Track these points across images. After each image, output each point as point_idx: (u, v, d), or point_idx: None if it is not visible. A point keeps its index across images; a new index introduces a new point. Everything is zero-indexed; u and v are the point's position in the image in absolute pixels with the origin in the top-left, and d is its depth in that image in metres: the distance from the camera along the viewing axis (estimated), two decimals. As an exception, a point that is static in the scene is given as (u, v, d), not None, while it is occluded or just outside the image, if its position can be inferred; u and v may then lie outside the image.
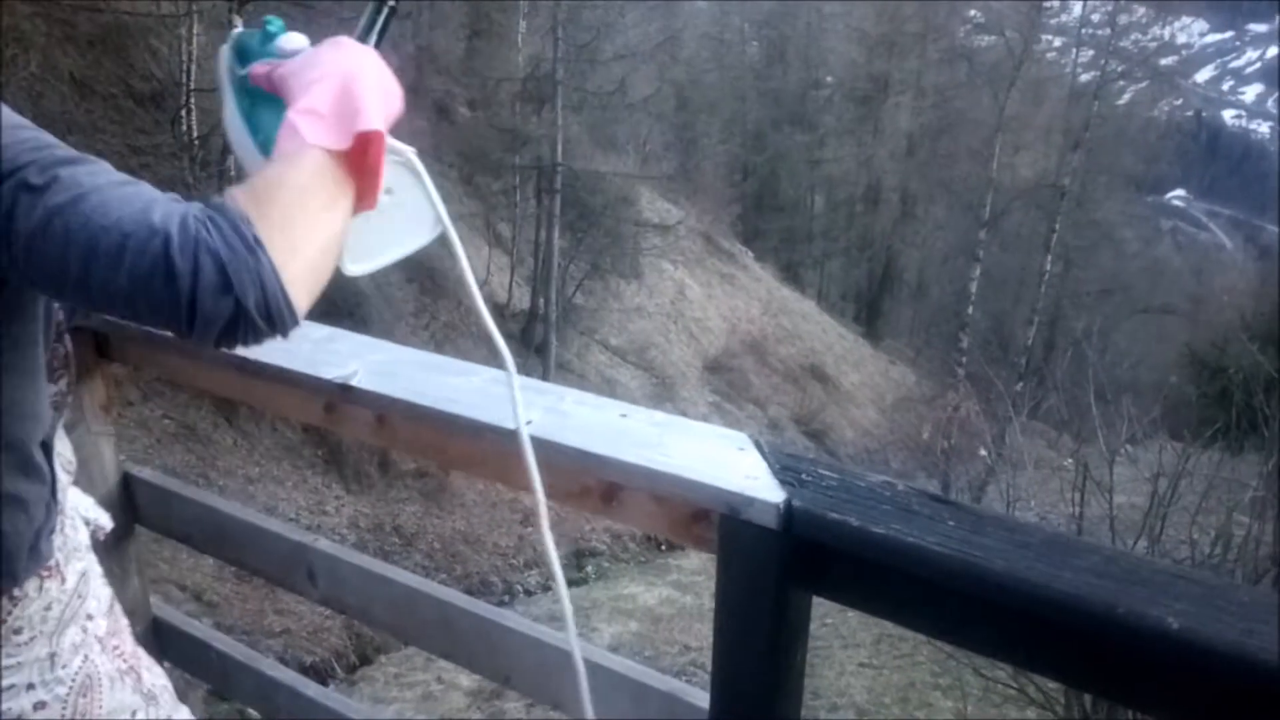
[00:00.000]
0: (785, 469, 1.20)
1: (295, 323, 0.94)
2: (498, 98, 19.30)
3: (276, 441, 11.87)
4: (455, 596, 1.57)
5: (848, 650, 7.90)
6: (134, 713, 1.33)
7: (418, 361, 1.50)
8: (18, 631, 1.17)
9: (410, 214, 1.15)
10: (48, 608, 1.20)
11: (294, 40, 1.15)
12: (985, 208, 25.71)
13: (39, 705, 1.20)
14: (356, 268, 1.13)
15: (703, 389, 22.26)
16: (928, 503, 1.15)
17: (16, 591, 1.16)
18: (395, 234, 1.14)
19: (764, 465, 1.20)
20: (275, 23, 1.17)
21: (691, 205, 27.57)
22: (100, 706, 1.27)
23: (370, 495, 12.27)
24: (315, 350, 1.51)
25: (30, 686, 1.20)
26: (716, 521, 1.17)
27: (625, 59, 20.56)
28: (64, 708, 1.23)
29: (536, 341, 18.73)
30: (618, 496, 1.26)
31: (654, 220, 22.91)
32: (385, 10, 1.18)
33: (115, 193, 0.90)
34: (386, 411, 1.42)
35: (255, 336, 0.91)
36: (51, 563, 1.21)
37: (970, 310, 25.55)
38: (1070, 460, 7.94)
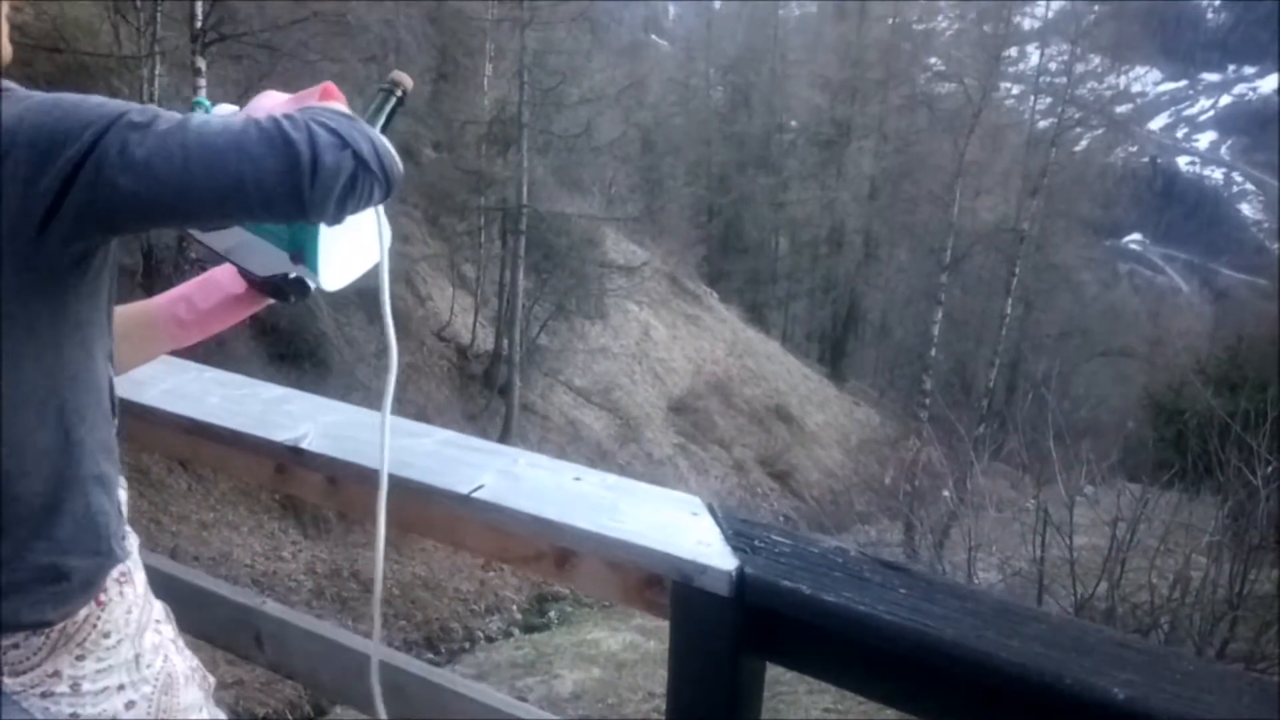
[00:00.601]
0: (738, 534, 1.20)
1: (401, 177, 1.09)
2: (463, 140, 19.35)
3: (232, 486, 11.70)
4: (408, 662, 1.55)
5: (812, 695, 7.84)
6: (201, 709, 1.39)
7: (371, 423, 1.49)
8: (106, 635, 1.22)
9: (368, 230, 1.25)
10: (129, 611, 1.25)
11: (226, 109, 1.22)
12: (946, 251, 26.04)
13: (130, 705, 1.26)
14: (335, 283, 1.26)
15: (667, 430, 22.23)
16: (879, 569, 1.15)
17: (103, 596, 1.21)
18: (361, 249, 1.27)
19: (717, 531, 1.20)
20: (203, 103, 1.23)
21: (657, 247, 27.71)
22: (180, 704, 1.33)
23: (328, 540, 12.11)
24: (266, 411, 1.49)
25: (121, 687, 1.25)
26: (669, 588, 1.17)
27: (591, 103, 20.71)
28: (150, 706, 1.28)
29: (500, 383, 18.66)
30: (570, 562, 1.26)
31: (619, 261, 22.98)
32: (394, 100, 1.27)
33: (215, 117, 1.04)
34: (338, 475, 1.40)
35: (373, 187, 1.05)
36: (125, 566, 1.25)
37: (933, 352, 25.79)
38: (1032, 502, 7.99)
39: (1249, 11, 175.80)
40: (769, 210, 34.45)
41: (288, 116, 1.01)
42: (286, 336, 13.93)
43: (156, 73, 12.01)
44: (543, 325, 19.85)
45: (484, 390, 18.93)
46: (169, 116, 1.00)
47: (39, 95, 1.03)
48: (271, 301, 1.39)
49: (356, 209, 1.06)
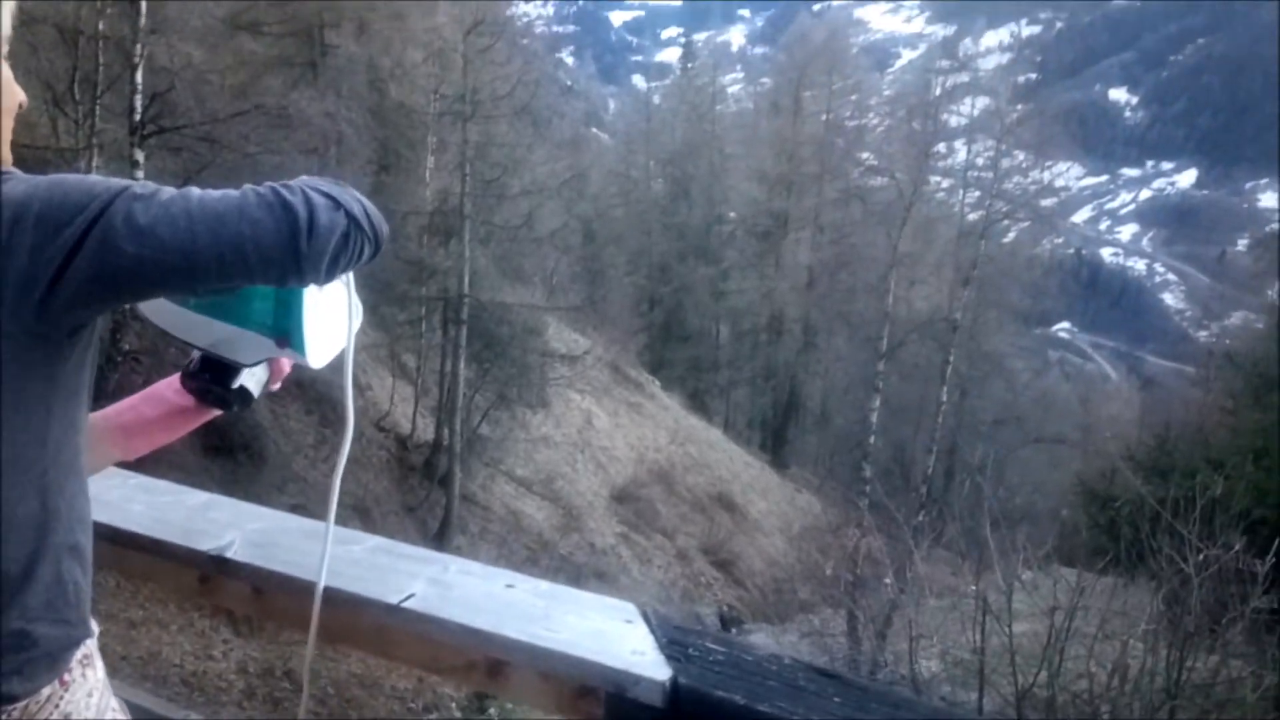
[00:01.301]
0: (673, 643, 1.19)
1: (387, 236, 1.17)
2: (405, 230, 19.41)
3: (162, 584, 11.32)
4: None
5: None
6: None
7: (299, 529, 1.46)
8: (67, 718, 1.20)
9: (341, 309, 1.33)
10: (89, 694, 1.24)
11: None
12: (883, 339, 26.51)
13: None
14: (321, 360, 1.29)
15: (610, 519, 22.06)
16: (814, 678, 1.15)
17: (67, 675, 1.20)
18: (338, 325, 1.32)
19: (651, 640, 1.18)
20: None
21: (599, 335, 27.85)
22: None
23: (260, 638, 11.71)
24: (191, 518, 1.46)
25: None
26: (603, 699, 1.15)
27: (533, 194, 20.95)
28: None
29: (441, 473, 18.43)
30: (503, 672, 1.23)
31: (561, 350, 23.01)
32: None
33: (212, 189, 1.09)
34: (264, 584, 1.37)
35: (364, 244, 1.12)
36: (89, 648, 1.25)
37: (872, 439, 26.05)
38: (972, 589, 8.01)
39: (1165, 110, 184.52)
40: (709, 299, 34.89)
41: (284, 185, 1.08)
42: (221, 428, 13.65)
43: (95, 165, 11.94)
44: (484, 415, 19.72)
45: (424, 481, 18.67)
46: (170, 189, 1.07)
47: (44, 176, 1.08)
48: (218, 413, 1.38)
49: (349, 266, 1.12)
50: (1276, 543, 6.74)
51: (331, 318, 1.32)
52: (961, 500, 10.55)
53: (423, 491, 18.32)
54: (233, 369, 1.29)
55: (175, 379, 1.36)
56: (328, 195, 1.08)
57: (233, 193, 1.06)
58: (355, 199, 1.11)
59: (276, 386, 1.36)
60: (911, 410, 29.37)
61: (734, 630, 18.22)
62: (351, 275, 1.31)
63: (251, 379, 1.30)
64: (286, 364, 1.34)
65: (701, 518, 23.81)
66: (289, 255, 1.05)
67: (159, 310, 1.27)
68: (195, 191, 1.06)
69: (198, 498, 1.52)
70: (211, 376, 1.30)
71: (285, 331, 1.27)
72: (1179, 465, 12.03)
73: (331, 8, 18.05)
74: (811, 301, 33.10)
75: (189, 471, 11.30)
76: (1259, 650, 6.98)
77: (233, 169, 11.44)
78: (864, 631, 11.18)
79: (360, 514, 16.19)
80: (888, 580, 10.93)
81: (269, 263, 1.05)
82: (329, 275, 1.10)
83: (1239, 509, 7.46)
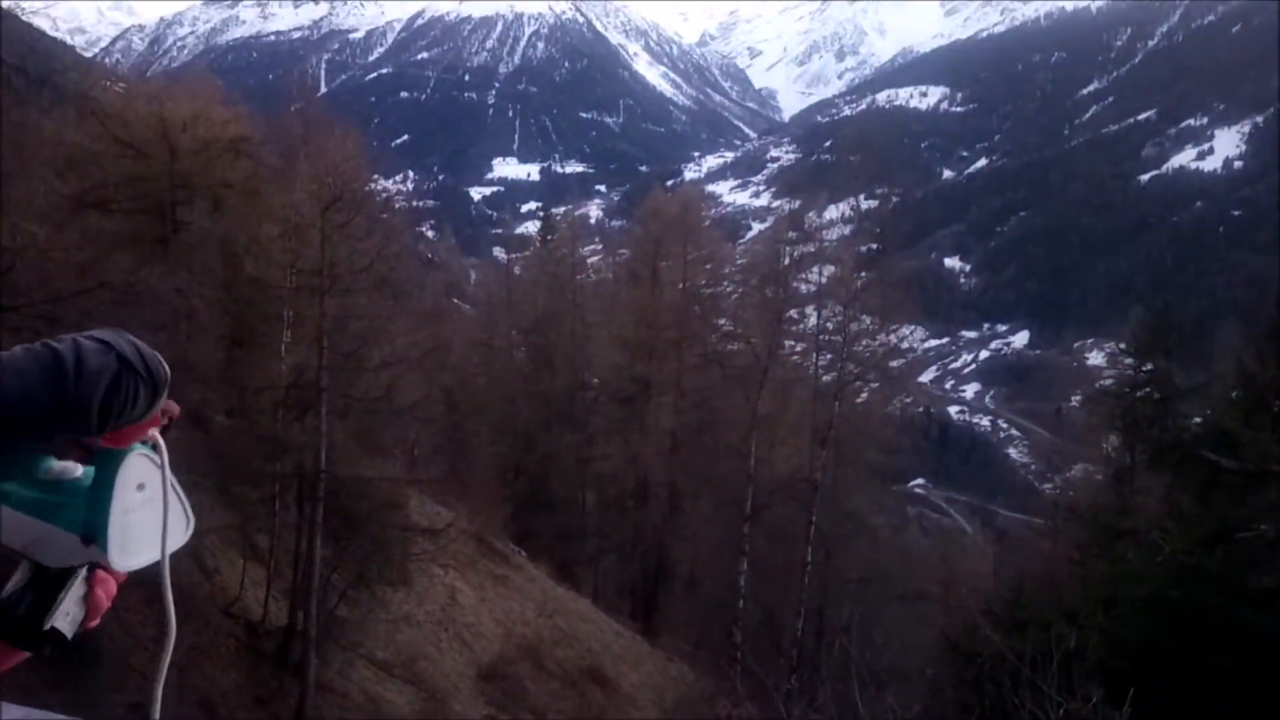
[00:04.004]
0: None
1: (166, 379, 1.15)
2: (258, 405, 18.89)
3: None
4: None
5: None
6: None
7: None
8: None
9: (163, 512, 1.26)
10: None
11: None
12: (747, 501, 26.80)
13: None
14: (124, 561, 1.22)
15: (477, 700, 21.15)
16: None
17: None
18: (154, 532, 1.25)
19: None
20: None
21: (462, 507, 27.32)
22: None
23: None
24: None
25: None
26: None
27: (392, 366, 20.75)
28: None
29: (294, 660, 17.43)
30: None
31: (423, 524, 22.42)
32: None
33: None
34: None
35: (138, 386, 1.11)
36: None
37: (741, 604, 25.96)
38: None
39: (996, 276, 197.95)
40: (575, 466, 34.80)
41: (55, 338, 1.08)
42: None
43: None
44: (341, 595, 18.86)
45: (276, 670, 17.62)
46: None
47: None
48: (24, 655, 1.24)
49: (125, 410, 1.11)
50: (1131, 692, 6.91)
51: (150, 520, 1.25)
52: (831, 662, 10.54)
53: (275, 682, 17.26)
54: (44, 607, 1.18)
55: None
56: (99, 340, 1.09)
57: (4, 354, 1.06)
58: (129, 342, 1.11)
59: (94, 624, 1.25)
60: (779, 572, 29.52)
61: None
62: (170, 476, 1.27)
63: (65, 619, 1.19)
64: (104, 598, 1.23)
65: (572, 694, 23.07)
66: (57, 401, 1.04)
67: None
68: None
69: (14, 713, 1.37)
70: (21, 616, 1.19)
71: (92, 529, 1.20)
72: (1034, 618, 12.34)
73: (184, 185, 17.94)
74: (676, 466, 33.35)
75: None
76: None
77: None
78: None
79: (206, 710, 15.08)
80: (763, 751, 10.72)
81: (38, 411, 1.04)
82: (103, 421, 1.10)
83: (1094, 660, 7.66)
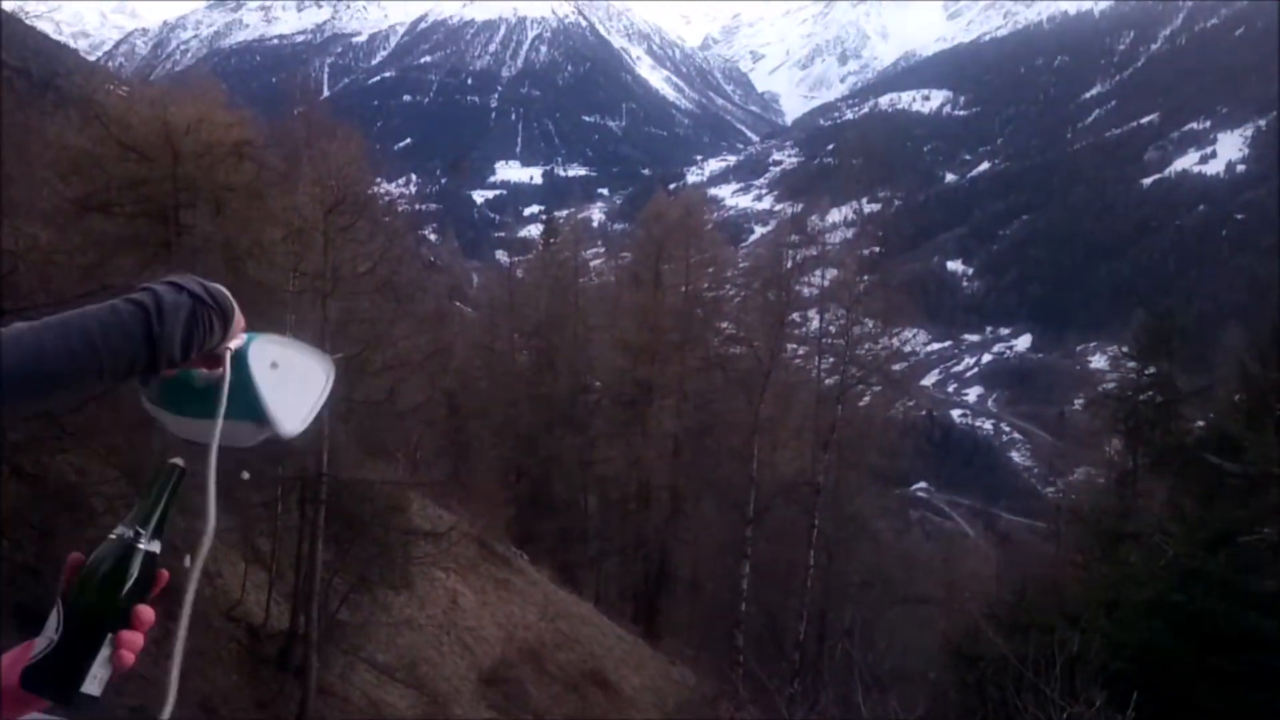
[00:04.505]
0: None
1: (232, 306, 1.32)
2: (261, 409, 18.87)
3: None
4: None
5: None
6: None
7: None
8: None
9: (305, 370, 1.48)
10: None
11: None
12: (749, 505, 26.78)
13: None
14: (292, 425, 1.43)
15: (478, 704, 21.14)
16: None
17: None
18: (305, 390, 1.46)
19: None
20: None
21: (464, 510, 27.28)
22: None
23: None
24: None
25: None
26: None
27: (395, 369, 20.77)
28: None
29: (296, 663, 17.42)
30: None
31: (425, 527, 22.40)
32: (173, 482, 1.29)
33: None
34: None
35: (211, 317, 1.27)
36: None
37: (743, 607, 25.93)
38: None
39: (998, 279, 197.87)
40: (577, 469, 34.79)
41: (135, 288, 1.23)
42: (43, 616, 12.65)
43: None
44: (343, 598, 18.86)
45: (278, 673, 17.61)
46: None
47: None
48: (48, 705, 1.25)
49: (204, 341, 1.27)
50: (1134, 696, 6.90)
51: (297, 383, 1.45)
52: (834, 665, 10.54)
53: (276, 685, 17.25)
54: (80, 670, 1.19)
55: (19, 655, 1.24)
56: (170, 283, 1.25)
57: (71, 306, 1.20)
58: (197, 281, 1.27)
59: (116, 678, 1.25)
60: (781, 575, 29.50)
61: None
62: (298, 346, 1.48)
63: (94, 682, 1.20)
64: (130, 656, 1.23)
65: (574, 697, 23.04)
66: (142, 341, 1.19)
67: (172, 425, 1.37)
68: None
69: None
70: (55, 677, 1.20)
71: (255, 413, 1.39)
72: (1037, 621, 12.32)
73: (187, 188, 17.95)
74: (678, 469, 33.35)
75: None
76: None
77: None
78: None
79: (207, 712, 15.08)
80: (765, 755, 10.71)
81: (122, 351, 1.18)
82: (185, 353, 1.25)
83: (1097, 663, 7.64)
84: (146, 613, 1.23)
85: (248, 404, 1.38)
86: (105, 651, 1.20)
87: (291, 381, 1.44)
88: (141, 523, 1.23)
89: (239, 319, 1.37)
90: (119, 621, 1.21)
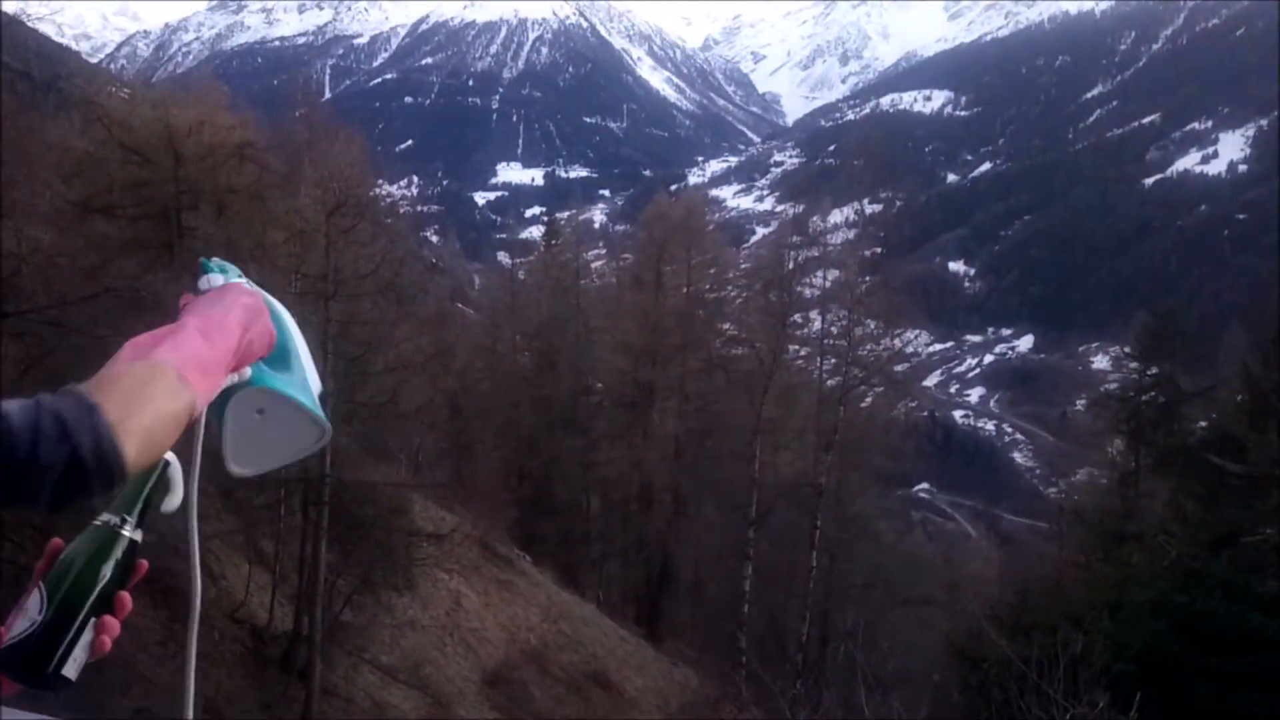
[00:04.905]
0: None
1: (124, 474, 1.03)
2: (264, 411, 18.88)
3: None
4: None
5: None
6: None
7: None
8: None
9: (289, 429, 1.38)
10: None
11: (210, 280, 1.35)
12: (751, 506, 26.78)
13: None
14: (241, 469, 1.38)
15: (482, 705, 21.14)
16: None
17: None
18: (276, 446, 1.39)
19: None
20: (210, 266, 1.38)
21: (467, 511, 27.29)
22: None
23: None
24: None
25: None
26: None
27: (397, 371, 20.78)
28: None
29: (299, 665, 17.42)
30: None
31: (428, 529, 22.39)
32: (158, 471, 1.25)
33: None
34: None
35: (87, 483, 1.00)
36: None
37: (746, 608, 25.93)
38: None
39: (1000, 280, 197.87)
40: (579, 471, 34.76)
41: (23, 404, 0.97)
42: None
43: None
44: (347, 600, 18.87)
45: (282, 675, 17.61)
46: None
47: None
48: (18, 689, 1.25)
49: (72, 499, 1.01)
50: (1137, 696, 6.90)
51: (273, 434, 1.38)
52: (836, 667, 10.54)
53: (280, 687, 17.26)
54: (54, 652, 1.19)
55: None
56: (61, 423, 0.97)
57: None
58: (91, 428, 0.99)
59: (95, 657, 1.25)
60: (783, 577, 29.51)
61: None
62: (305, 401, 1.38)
63: (73, 665, 1.20)
64: (108, 642, 1.23)
65: (577, 698, 23.04)
66: (13, 483, 0.97)
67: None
68: None
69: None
70: (37, 658, 1.19)
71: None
72: (1040, 622, 12.33)
73: (189, 190, 17.98)
74: (680, 470, 33.34)
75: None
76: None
77: (80, 352, 11.04)
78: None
79: (211, 714, 15.09)
80: (768, 756, 10.71)
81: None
82: (53, 506, 1.01)
83: (1100, 665, 7.64)
84: (126, 600, 1.21)
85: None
86: (88, 636, 1.20)
87: (270, 433, 1.37)
88: (126, 510, 1.23)
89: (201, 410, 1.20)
90: (103, 606, 1.20)
